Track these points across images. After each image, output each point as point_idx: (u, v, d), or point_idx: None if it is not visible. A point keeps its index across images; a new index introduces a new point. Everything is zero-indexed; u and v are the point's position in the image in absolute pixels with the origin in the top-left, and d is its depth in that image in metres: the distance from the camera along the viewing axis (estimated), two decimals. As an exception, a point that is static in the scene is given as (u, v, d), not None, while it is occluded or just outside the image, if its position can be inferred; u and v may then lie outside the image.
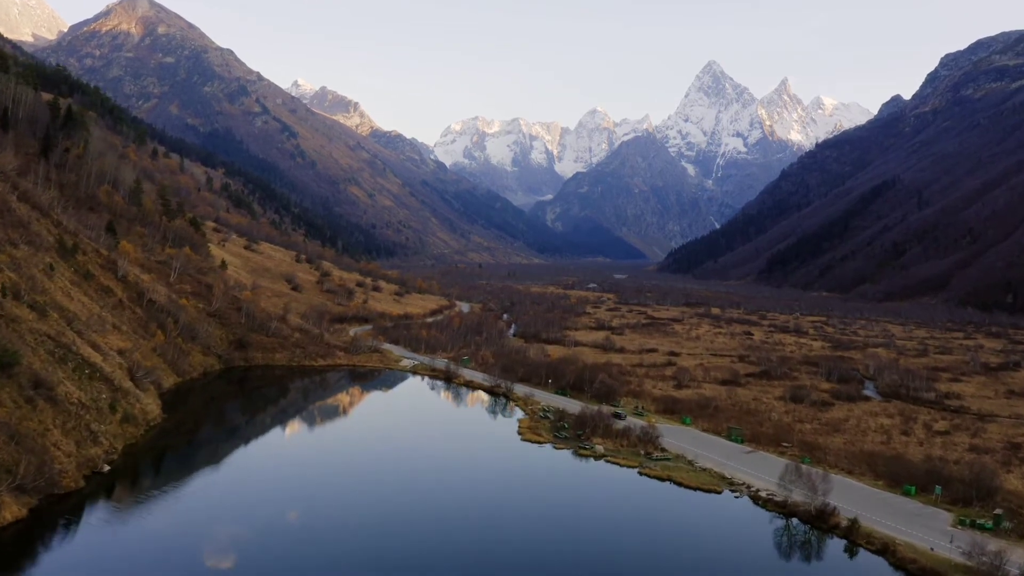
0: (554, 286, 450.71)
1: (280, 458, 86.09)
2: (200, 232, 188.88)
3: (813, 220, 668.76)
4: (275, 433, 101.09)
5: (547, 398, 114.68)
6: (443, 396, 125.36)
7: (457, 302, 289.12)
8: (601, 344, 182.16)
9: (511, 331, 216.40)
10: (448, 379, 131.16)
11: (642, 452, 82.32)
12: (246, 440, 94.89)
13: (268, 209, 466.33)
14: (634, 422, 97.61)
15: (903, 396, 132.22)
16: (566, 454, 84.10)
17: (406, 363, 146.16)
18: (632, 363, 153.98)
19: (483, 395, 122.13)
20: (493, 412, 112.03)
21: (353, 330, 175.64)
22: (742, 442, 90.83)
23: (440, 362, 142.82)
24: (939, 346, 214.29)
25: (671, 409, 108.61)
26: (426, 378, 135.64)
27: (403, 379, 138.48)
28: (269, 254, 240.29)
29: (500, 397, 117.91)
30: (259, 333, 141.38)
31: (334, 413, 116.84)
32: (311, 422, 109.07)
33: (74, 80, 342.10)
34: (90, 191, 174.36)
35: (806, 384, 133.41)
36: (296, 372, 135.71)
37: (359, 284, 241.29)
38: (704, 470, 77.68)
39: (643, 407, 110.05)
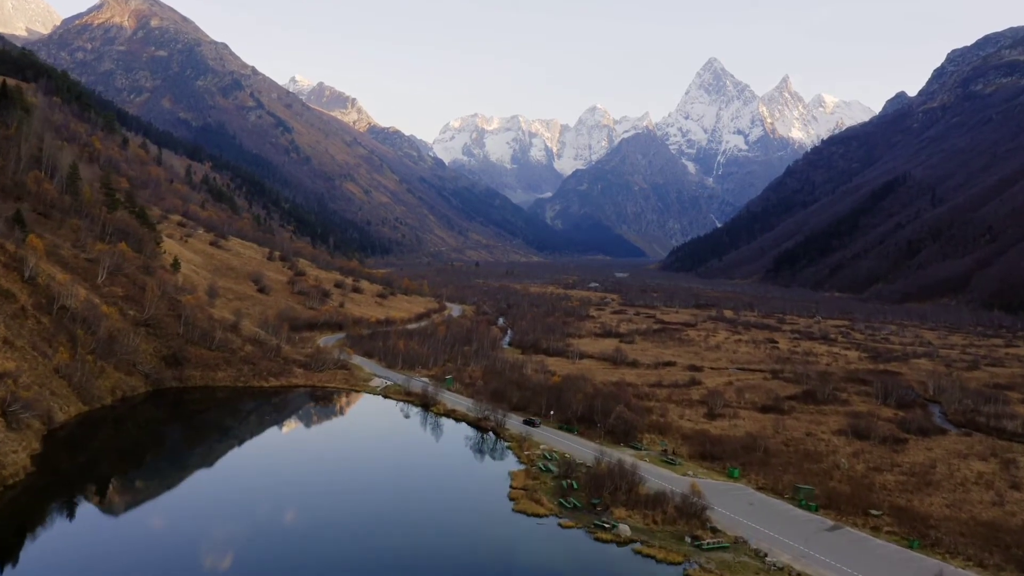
0: (554, 285, 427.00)
1: (162, 540, 58.33)
2: (148, 225, 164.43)
3: (821, 218, 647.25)
4: (169, 503, 67.71)
5: (549, 437, 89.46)
6: (415, 431, 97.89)
7: (448, 304, 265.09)
8: (610, 356, 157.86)
9: (506, 339, 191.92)
10: (426, 406, 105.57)
11: (687, 537, 57.21)
12: (121, 507, 66.06)
13: (255, 204, 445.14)
14: (668, 476, 73.25)
15: (981, 426, 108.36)
16: (577, 535, 58.33)
17: (377, 383, 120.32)
18: (649, 381, 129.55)
19: (468, 429, 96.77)
20: (479, 455, 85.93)
21: (321, 340, 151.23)
22: (816, 509, 66.40)
23: (418, 382, 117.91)
24: (986, 356, 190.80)
25: (709, 453, 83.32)
26: (400, 403, 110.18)
27: (370, 405, 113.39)
28: (237, 251, 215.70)
29: (489, 433, 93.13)
30: (200, 346, 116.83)
31: (255, 466, 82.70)
32: (223, 486, 74.44)
33: (40, 64, 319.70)
34: (18, 177, 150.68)
35: (864, 410, 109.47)
36: (242, 394, 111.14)
37: (337, 285, 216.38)
38: (780, 569, 52.78)
39: (673, 450, 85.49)
